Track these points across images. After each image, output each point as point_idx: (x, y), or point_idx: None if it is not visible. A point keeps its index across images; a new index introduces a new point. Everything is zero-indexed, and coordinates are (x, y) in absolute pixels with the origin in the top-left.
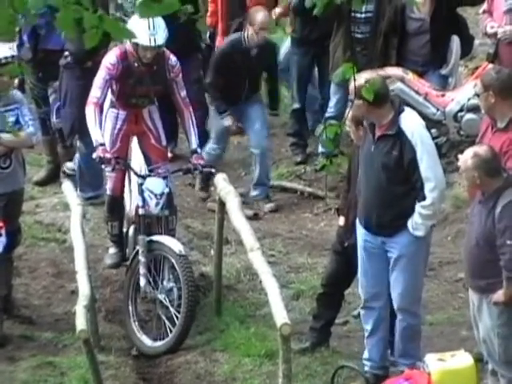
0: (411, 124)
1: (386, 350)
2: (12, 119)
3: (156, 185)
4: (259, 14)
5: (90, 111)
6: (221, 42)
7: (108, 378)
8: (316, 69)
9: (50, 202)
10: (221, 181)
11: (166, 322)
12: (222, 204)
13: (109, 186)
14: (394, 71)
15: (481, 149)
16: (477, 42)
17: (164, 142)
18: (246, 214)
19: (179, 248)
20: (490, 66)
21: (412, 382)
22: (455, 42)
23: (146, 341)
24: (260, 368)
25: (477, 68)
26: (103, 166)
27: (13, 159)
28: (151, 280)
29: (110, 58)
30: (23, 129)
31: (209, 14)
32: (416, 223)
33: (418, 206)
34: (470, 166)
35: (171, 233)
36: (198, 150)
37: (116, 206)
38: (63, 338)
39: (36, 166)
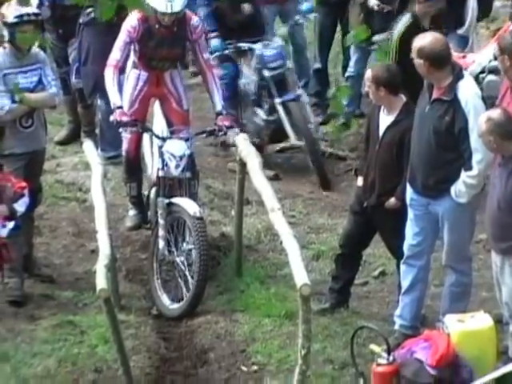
0: (467, 92)
1: (419, 311)
2: (35, 79)
3: (176, 147)
4: None
5: (109, 73)
6: None
7: (128, 337)
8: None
9: (70, 162)
10: (242, 141)
11: (182, 285)
12: (243, 164)
13: (124, 147)
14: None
15: (494, 113)
16: (498, 3)
17: (186, 106)
18: (266, 174)
19: (194, 210)
20: None
21: (431, 343)
22: (471, 2)
23: (165, 301)
24: (280, 328)
25: (498, 29)
26: (120, 129)
27: (35, 119)
28: (173, 242)
29: (131, 21)
30: (46, 89)
31: None
32: (460, 191)
33: (463, 175)
34: (484, 131)
35: (193, 196)
36: (223, 111)
37: (132, 167)
38: (83, 297)
39: (57, 126)
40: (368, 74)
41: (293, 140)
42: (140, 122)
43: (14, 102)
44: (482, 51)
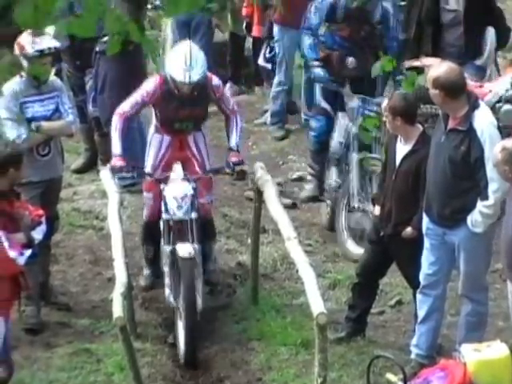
0: (483, 122)
1: (436, 340)
2: (52, 107)
3: (178, 188)
4: None
5: (115, 121)
6: (256, 32)
7: (144, 365)
8: None
9: (87, 190)
10: (258, 169)
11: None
12: (260, 193)
13: (145, 212)
14: (430, 61)
15: (509, 142)
16: None
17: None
18: (283, 202)
19: (184, 252)
20: None
21: (448, 372)
22: (490, 32)
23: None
24: (296, 357)
25: None
26: (117, 177)
27: (52, 147)
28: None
29: (149, 86)
30: (63, 117)
31: (245, 4)
32: (476, 220)
33: (479, 205)
34: (500, 160)
35: (203, 237)
36: (234, 148)
37: (152, 232)
38: (100, 325)
39: (74, 154)
40: (385, 103)
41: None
42: (138, 168)
43: (31, 130)
44: (499, 80)
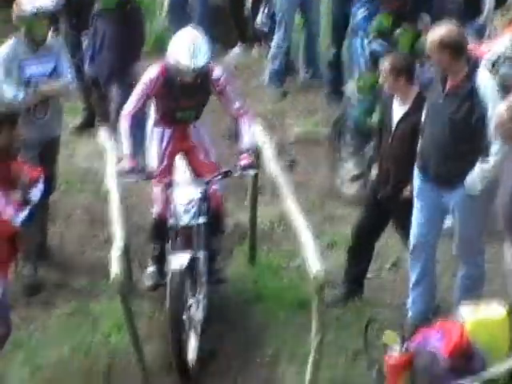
0: (485, 82)
1: (431, 301)
2: (50, 66)
3: (185, 192)
4: None
5: (123, 122)
6: None
7: (141, 325)
8: None
9: (85, 149)
10: (257, 131)
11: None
12: (258, 153)
13: (155, 209)
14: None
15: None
16: None
17: (213, 158)
18: (281, 164)
19: (176, 263)
20: None
21: (445, 333)
22: None
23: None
24: (293, 319)
25: None
26: (127, 178)
27: (50, 107)
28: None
29: (151, 73)
30: (61, 76)
31: None
32: (474, 181)
33: (479, 166)
34: (506, 119)
35: (211, 245)
36: (245, 150)
37: (160, 230)
38: (97, 284)
39: (72, 114)
40: (385, 64)
41: None
42: (149, 171)
43: (29, 90)
44: (498, 40)
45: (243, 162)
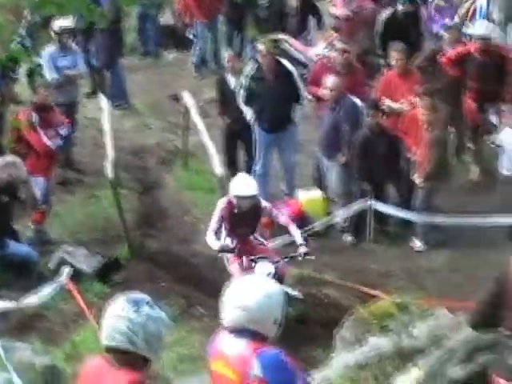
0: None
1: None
2: (71, 61)
3: (264, 267)
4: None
5: (210, 236)
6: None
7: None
8: None
9: (91, 106)
10: (185, 95)
11: None
12: (187, 111)
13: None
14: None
15: None
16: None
17: (269, 247)
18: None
19: None
20: (335, 35)
21: (290, 206)
22: (312, 21)
23: None
24: None
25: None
26: (226, 256)
27: (73, 83)
28: None
29: (222, 203)
30: (78, 68)
31: None
32: None
33: None
34: None
35: None
36: (302, 243)
37: None
38: (101, 181)
39: (84, 87)
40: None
41: None
42: (237, 250)
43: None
44: (317, 45)
45: (303, 250)
